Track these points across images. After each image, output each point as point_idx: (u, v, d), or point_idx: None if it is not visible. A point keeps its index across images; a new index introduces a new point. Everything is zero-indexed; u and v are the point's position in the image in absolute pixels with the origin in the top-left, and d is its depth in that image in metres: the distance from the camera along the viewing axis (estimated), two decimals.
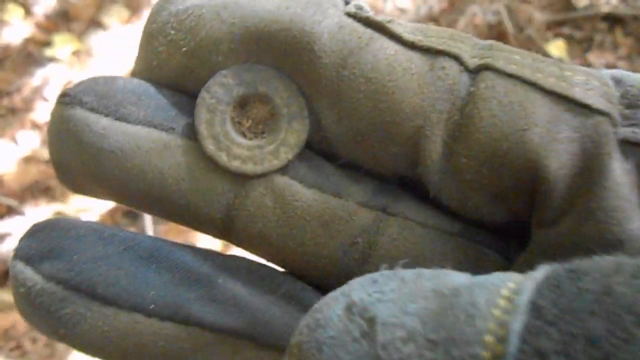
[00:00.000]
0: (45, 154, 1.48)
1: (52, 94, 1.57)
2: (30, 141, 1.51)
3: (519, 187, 0.23)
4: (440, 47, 0.23)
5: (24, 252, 0.24)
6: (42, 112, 1.55)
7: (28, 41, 1.65)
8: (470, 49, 0.24)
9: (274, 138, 0.25)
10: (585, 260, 0.17)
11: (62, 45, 1.63)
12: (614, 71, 0.24)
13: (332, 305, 0.19)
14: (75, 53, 1.63)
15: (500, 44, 0.24)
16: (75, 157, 0.25)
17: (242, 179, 0.25)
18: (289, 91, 0.25)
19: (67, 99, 0.25)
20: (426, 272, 0.19)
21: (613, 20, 1.50)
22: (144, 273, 0.24)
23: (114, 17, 1.67)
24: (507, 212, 0.25)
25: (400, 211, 0.25)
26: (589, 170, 0.22)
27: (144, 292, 0.23)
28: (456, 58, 0.23)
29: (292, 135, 0.25)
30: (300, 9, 0.24)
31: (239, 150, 0.25)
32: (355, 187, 0.25)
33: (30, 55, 1.64)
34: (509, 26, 1.51)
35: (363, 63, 0.23)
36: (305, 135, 0.25)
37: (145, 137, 0.24)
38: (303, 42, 0.24)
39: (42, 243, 0.24)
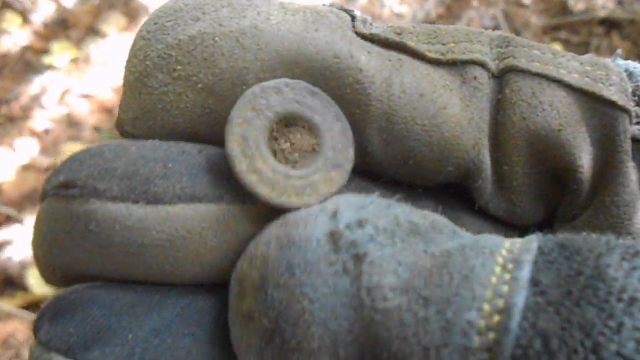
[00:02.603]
0: (44, 161, 1.48)
1: (50, 102, 1.57)
2: (29, 149, 1.51)
3: (557, 185, 0.24)
4: (465, 57, 0.23)
5: (59, 343, 0.19)
6: (41, 120, 1.55)
7: (26, 49, 1.65)
8: (489, 49, 0.23)
9: (305, 174, 0.20)
10: (575, 236, 0.17)
11: (61, 53, 1.63)
12: (628, 63, 0.24)
13: (311, 225, 0.17)
14: (74, 61, 1.63)
15: (516, 38, 0.24)
16: (99, 262, 0.20)
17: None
18: (342, 133, 0.21)
19: (73, 191, 0.19)
20: (421, 227, 0.18)
21: (610, 24, 1.50)
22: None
23: (112, 25, 1.67)
24: (546, 211, 0.24)
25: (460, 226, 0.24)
26: (608, 167, 0.23)
27: None
28: (482, 65, 0.23)
29: (325, 184, 0.21)
30: (330, 32, 0.21)
31: (264, 166, 0.20)
32: None
33: (28, 64, 1.64)
34: (506, 31, 1.51)
35: (407, 82, 0.22)
36: (342, 183, 0.21)
37: (193, 217, 0.19)
38: (347, 63, 0.21)
39: (81, 327, 0.19)
